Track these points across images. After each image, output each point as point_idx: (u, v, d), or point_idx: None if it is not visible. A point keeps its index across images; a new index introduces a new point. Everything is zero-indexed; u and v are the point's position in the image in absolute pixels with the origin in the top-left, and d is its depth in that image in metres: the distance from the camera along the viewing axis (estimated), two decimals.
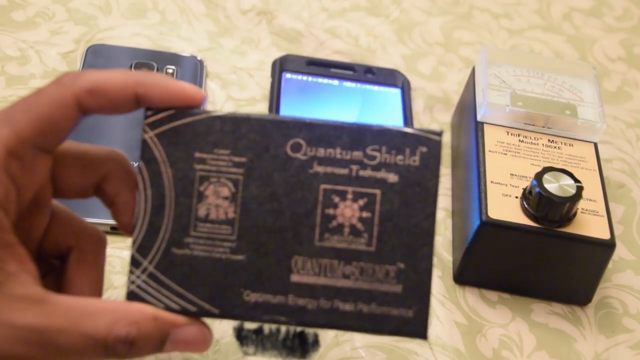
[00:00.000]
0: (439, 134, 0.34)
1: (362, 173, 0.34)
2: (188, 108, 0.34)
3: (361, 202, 0.34)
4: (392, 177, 0.34)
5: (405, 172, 0.34)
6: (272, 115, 0.34)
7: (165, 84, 0.33)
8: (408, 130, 0.34)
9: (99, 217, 0.46)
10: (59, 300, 0.30)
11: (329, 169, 0.34)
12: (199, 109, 0.34)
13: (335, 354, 0.44)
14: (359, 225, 0.34)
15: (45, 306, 0.30)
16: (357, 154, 0.34)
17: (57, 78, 0.33)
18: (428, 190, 0.34)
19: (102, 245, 0.37)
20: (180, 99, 0.34)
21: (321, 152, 0.34)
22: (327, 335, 0.45)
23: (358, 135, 0.34)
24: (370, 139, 0.34)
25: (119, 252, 0.47)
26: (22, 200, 0.32)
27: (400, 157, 0.34)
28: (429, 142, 0.34)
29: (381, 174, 0.34)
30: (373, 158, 0.34)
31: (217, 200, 0.34)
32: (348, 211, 0.34)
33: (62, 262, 0.36)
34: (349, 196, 0.34)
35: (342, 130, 0.34)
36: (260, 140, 0.34)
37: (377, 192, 0.34)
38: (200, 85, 0.58)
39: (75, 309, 0.30)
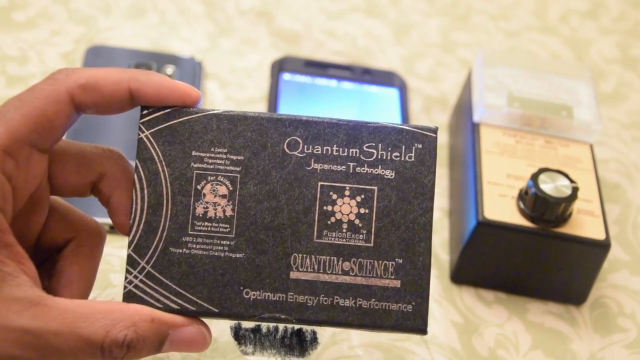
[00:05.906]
0: (434, 130, 0.34)
1: (359, 170, 0.34)
2: (183, 106, 0.34)
3: (359, 198, 0.34)
4: (389, 174, 0.34)
5: (401, 168, 0.34)
6: (269, 114, 0.34)
7: (160, 80, 0.33)
8: (403, 127, 0.34)
9: (99, 216, 0.46)
10: (55, 303, 0.30)
11: (326, 166, 0.34)
12: (195, 107, 0.34)
13: (332, 353, 0.44)
14: (357, 222, 0.34)
15: (42, 309, 0.30)
16: (354, 151, 0.34)
17: (51, 75, 0.32)
18: (424, 186, 0.34)
19: (101, 238, 0.37)
20: (175, 96, 0.33)
21: (318, 149, 0.34)
22: (324, 335, 0.45)
23: (354, 133, 0.34)
24: (367, 136, 0.34)
25: (118, 251, 0.47)
26: (18, 200, 0.32)
27: (396, 153, 0.34)
28: (424, 139, 0.34)
29: (378, 171, 0.34)
30: (369, 155, 0.34)
31: (214, 199, 0.34)
32: (346, 207, 0.34)
33: (59, 253, 0.36)
34: (347, 193, 0.34)
35: (338, 127, 0.34)
36: (257, 138, 0.34)
37: (374, 188, 0.34)
38: (198, 86, 0.58)
39: (72, 311, 0.30)
